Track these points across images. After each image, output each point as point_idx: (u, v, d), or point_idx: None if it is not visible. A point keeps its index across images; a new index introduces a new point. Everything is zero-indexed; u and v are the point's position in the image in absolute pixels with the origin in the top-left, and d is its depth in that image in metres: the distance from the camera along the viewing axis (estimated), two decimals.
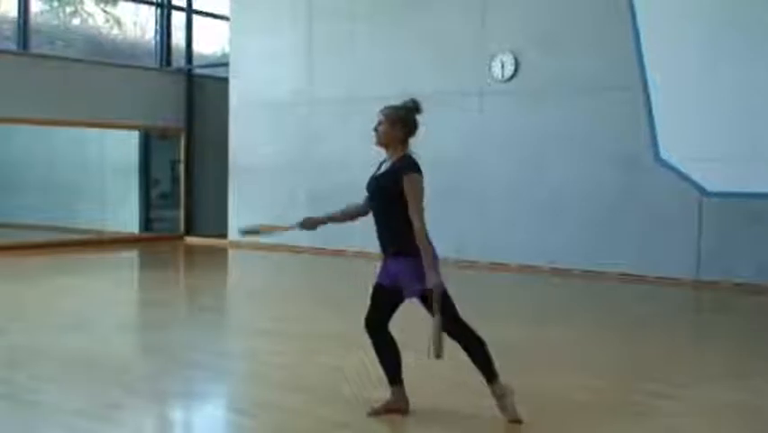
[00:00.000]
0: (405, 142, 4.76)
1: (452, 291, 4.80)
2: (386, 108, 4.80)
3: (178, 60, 16.49)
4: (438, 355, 4.59)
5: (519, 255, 11.78)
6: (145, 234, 16.12)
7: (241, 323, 8.41)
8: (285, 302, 9.36)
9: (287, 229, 4.95)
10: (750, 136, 10.16)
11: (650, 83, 10.74)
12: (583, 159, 11.29)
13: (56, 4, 16.44)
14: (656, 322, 8.50)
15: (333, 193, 13.19)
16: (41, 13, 15.81)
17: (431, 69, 12.45)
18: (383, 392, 4.95)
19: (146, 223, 16.44)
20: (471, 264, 11.92)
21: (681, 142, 10.62)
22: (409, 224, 4.65)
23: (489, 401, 4.80)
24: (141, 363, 6.46)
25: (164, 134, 16.44)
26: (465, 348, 4.79)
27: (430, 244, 4.63)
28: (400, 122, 4.74)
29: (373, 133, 4.80)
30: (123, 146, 16.32)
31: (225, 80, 15.10)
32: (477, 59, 12.11)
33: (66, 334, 7.26)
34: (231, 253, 14.46)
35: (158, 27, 16.31)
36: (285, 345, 6.94)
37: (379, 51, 13.11)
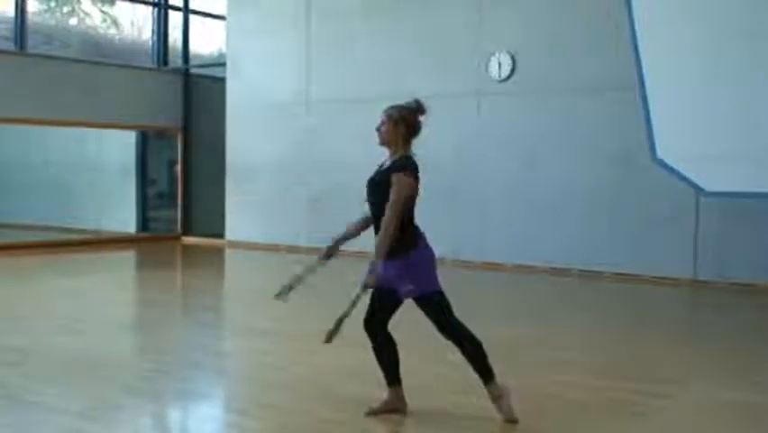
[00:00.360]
0: (407, 143, 4.76)
1: (448, 291, 4.81)
2: (389, 108, 4.81)
3: (175, 60, 16.47)
4: (328, 340, 4.67)
5: (516, 255, 11.78)
6: (142, 234, 16.11)
7: (239, 323, 8.40)
8: (282, 302, 9.33)
9: (315, 267, 4.89)
10: (747, 136, 10.16)
11: (647, 83, 10.74)
12: (580, 159, 11.30)
13: (53, 3, 16.43)
14: (653, 322, 8.51)
15: (331, 193, 13.23)
16: (39, 12, 15.79)
17: (428, 69, 12.45)
18: (381, 393, 4.96)
19: (143, 223, 16.43)
20: (468, 264, 11.92)
21: (677, 142, 10.63)
22: (404, 222, 4.66)
23: (486, 402, 4.81)
24: (140, 363, 6.46)
25: (161, 134, 16.43)
26: (461, 349, 4.79)
27: (387, 245, 4.59)
28: (403, 122, 4.74)
29: (376, 133, 4.80)
30: (121, 146, 16.31)
31: (222, 80, 15.09)
32: (474, 59, 12.12)
33: (64, 334, 7.26)
34: (228, 252, 14.46)
35: (155, 27, 16.29)
36: (283, 345, 6.94)
37: (377, 52, 13.10)
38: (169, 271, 12.79)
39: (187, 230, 16.05)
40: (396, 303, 4.81)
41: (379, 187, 4.69)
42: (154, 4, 16.21)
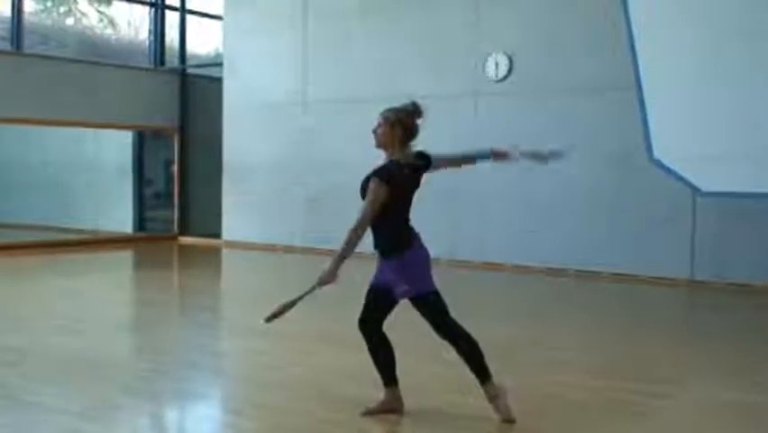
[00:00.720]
0: (404, 145, 4.76)
1: (445, 291, 4.81)
2: (386, 111, 4.80)
3: (172, 60, 16.47)
4: (268, 321, 4.73)
5: (514, 255, 11.79)
6: (139, 234, 16.11)
7: (236, 323, 8.40)
8: (279, 302, 9.33)
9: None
10: (743, 136, 10.18)
11: (644, 83, 10.75)
12: (577, 159, 11.27)
13: (50, 3, 16.41)
14: (651, 322, 8.53)
15: (328, 193, 13.23)
16: (35, 12, 15.78)
17: (425, 70, 12.45)
18: (378, 393, 4.96)
19: (140, 223, 16.43)
20: (466, 264, 11.93)
21: (674, 143, 10.64)
22: (391, 226, 4.69)
23: (483, 402, 4.81)
24: (138, 364, 6.46)
25: (158, 134, 16.42)
26: (457, 348, 4.80)
27: (350, 246, 4.58)
28: (399, 125, 4.74)
29: (372, 135, 4.80)
30: (117, 146, 16.30)
31: (219, 80, 15.09)
32: (471, 60, 12.13)
33: (62, 334, 7.25)
34: (225, 252, 14.46)
35: (152, 27, 16.28)
36: (280, 346, 6.94)
37: (374, 52, 13.10)
38: (167, 272, 12.78)
39: (184, 230, 16.04)
40: (391, 303, 4.82)
41: (363, 190, 4.70)
42: (151, 4, 16.20)
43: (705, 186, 10.46)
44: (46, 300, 9.16)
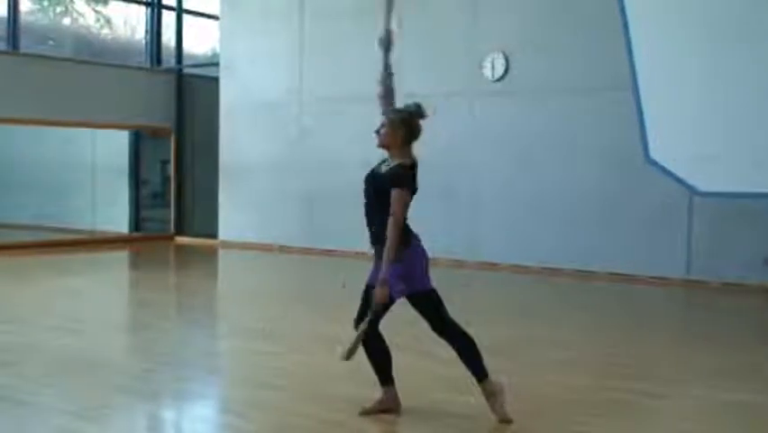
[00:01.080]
0: (407, 146, 4.78)
1: (442, 291, 4.82)
2: (389, 111, 4.84)
3: (169, 60, 16.45)
4: (348, 358, 4.71)
5: (510, 255, 11.79)
6: (135, 234, 16.09)
7: (233, 323, 8.40)
8: (276, 302, 9.36)
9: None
10: (740, 137, 10.20)
11: (639, 83, 10.77)
12: (574, 159, 11.32)
13: (46, 3, 16.39)
14: (649, 321, 8.54)
15: (325, 193, 13.23)
16: (32, 12, 15.75)
17: (422, 69, 12.44)
18: (376, 393, 4.96)
19: (136, 223, 16.40)
20: (462, 264, 11.93)
21: (671, 143, 10.65)
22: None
23: (480, 401, 4.82)
24: (135, 363, 6.45)
25: (154, 134, 16.40)
26: (455, 347, 4.81)
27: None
28: (402, 126, 4.76)
29: (375, 135, 4.82)
30: (114, 146, 16.26)
31: (216, 80, 15.07)
32: (468, 59, 12.13)
33: (59, 334, 7.24)
34: (221, 253, 14.45)
35: (148, 27, 16.26)
36: (276, 345, 6.94)
37: (371, 51, 13.03)
38: (163, 272, 12.77)
39: (181, 230, 16.03)
40: (386, 304, 4.82)
41: (379, 191, 4.70)
42: (147, 4, 16.18)
43: (701, 186, 10.47)
44: (42, 300, 9.15)
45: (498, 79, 11.91)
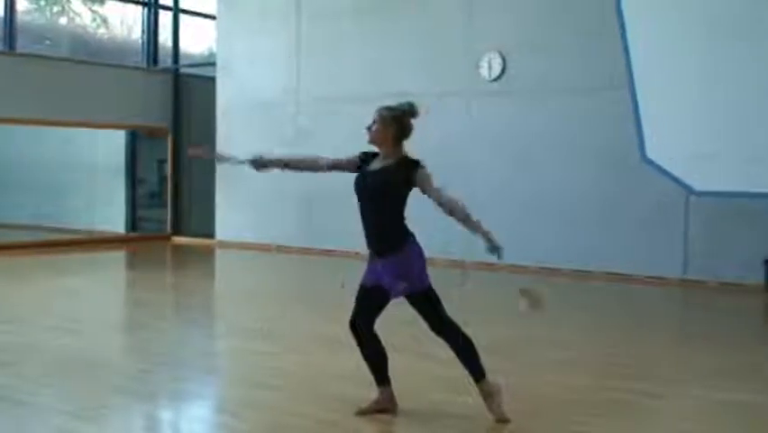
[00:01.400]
0: (399, 144, 4.79)
1: (439, 291, 4.82)
2: (382, 108, 4.83)
3: (166, 60, 16.43)
4: (533, 307, 5.12)
5: (507, 255, 11.70)
6: (132, 234, 16.07)
7: (230, 323, 8.40)
8: (273, 302, 9.36)
9: (237, 162, 5.01)
10: (737, 136, 10.20)
11: (636, 83, 10.77)
12: (570, 158, 11.32)
13: (43, 2, 16.37)
14: (647, 321, 8.54)
15: (323, 193, 13.21)
16: (28, 11, 15.73)
17: (419, 69, 12.45)
18: (372, 393, 4.96)
19: (133, 223, 16.39)
20: (459, 264, 11.92)
21: (667, 142, 10.66)
22: (397, 221, 4.73)
23: (477, 401, 4.82)
24: (133, 364, 6.45)
25: (151, 134, 16.38)
26: (452, 347, 4.81)
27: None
28: (394, 123, 4.76)
29: (365, 131, 4.81)
30: (110, 146, 16.24)
31: (213, 80, 15.06)
32: (465, 59, 12.13)
33: (57, 334, 7.24)
34: (218, 252, 14.44)
35: (145, 26, 16.24)
36: (273, 345, 6.94)
37: (368, 51, 13.10)
38: (160, 272, 12.76)
39: (178, 230, 16.02)
40: (383, 302, 4.82)
41: (388, 187, 4.72)
42: (144, 4, 16.16)
43: (697, 185, 10.48)
44: (41, 300, 9.14)
45: (495, 79, 11.92)
